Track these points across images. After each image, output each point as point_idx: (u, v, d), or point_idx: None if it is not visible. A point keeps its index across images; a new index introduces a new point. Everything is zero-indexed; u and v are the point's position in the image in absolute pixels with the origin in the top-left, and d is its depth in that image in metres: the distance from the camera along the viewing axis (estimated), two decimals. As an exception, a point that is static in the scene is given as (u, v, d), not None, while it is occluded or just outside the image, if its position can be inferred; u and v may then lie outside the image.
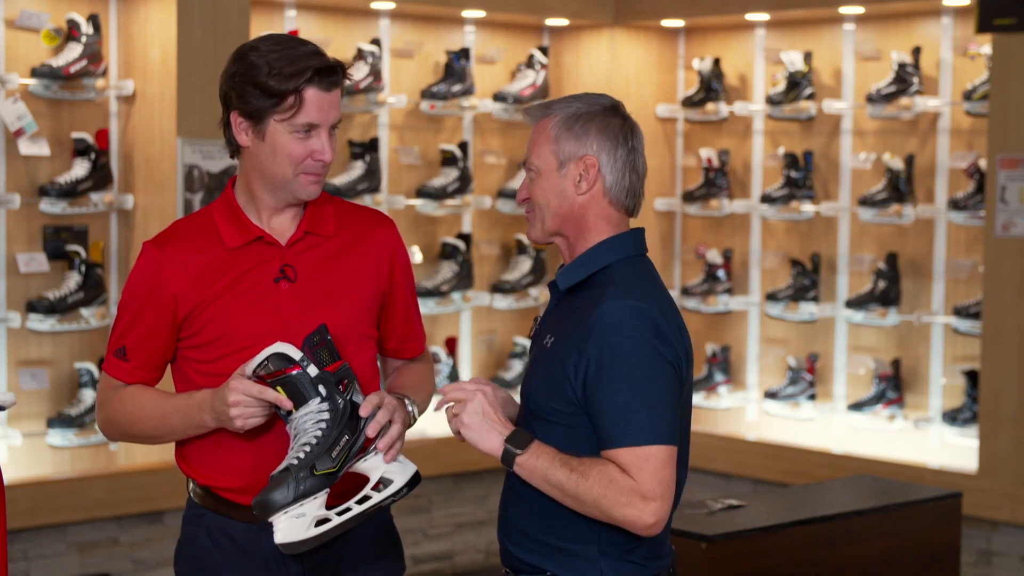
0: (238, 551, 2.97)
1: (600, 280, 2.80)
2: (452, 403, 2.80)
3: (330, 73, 2.87)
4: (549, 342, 2.80)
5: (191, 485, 3.04)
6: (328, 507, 2.76)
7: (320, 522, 2.74)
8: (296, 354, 2.75)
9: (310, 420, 2.75)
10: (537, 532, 2.81)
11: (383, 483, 2.80)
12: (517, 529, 2.84)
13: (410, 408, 2.96)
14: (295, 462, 2.72)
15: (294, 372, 2.74)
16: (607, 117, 2.85)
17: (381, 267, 3.04)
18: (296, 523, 2.71)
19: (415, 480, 2.82)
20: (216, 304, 2.92)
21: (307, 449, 2.73)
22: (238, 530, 2.97)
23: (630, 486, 2.64)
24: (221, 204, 3.00)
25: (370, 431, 2.78)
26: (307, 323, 2.87)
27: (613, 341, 2.69)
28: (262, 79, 2.84)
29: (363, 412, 2.79)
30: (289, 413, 2.77)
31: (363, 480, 2.82)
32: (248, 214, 2.97)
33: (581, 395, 2.72)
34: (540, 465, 2.70)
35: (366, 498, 2.79)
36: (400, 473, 2.82)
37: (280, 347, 2.75)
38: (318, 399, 2.75)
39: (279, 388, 2.75)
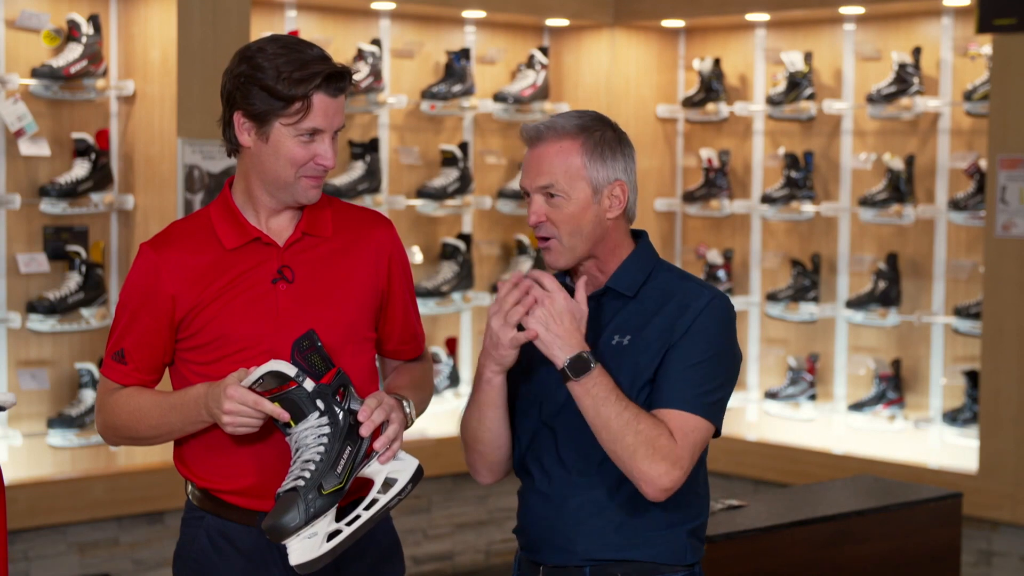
0: (238, 553, 2.96)
1: (658, 280, 2.89)
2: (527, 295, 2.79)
3: (338, 79, 2.88)
4: (625, 341, 2.83)
5: (190, 488, 3.03)
6: (337, 514, 2.75)
7: (332, 535, 2.73)
8: (291, 370, 2.73)
9: (311, 435, 2.74)
10: (622, 526, 2.83)
11: (388, 484, 2.79)
12: (593, 527, 2.85)
13: (408, 410, 2.95)
14: (301, 483, 2.70)
15: (290, 389, 2.72)
16: (617, 135, 2.90)
17: (379, 268, 3.03)
18: (309, 543, 2.70)
19: (418, 474, 2.81)
20: (214, 305, 2.91)
21: (311, 467, 2.71)
22: (237, 532, 2.96)
23: (669, 447, 2.73)
24: (219, 205, 2.99)
25: (363, 431, 2.76)
26: (305, 324, 2.86)
27: (705, 323, 2.81)
28: (269, 83, 2.83)
29: (362, 417, 2.78)
30: (287, 425, 2.75)
31: (367, 481, 2.81)
32: (246, 215, 2.96)
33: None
34: (592, 393, 2.74)
35: (374, 502, 2.78)
36: (403, 471, 2.80)
37: (275, 365, 2.73)
38: (316, 413, 2.74)
39: (277, 403, 2.74)
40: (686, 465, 2.74)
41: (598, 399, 2.73)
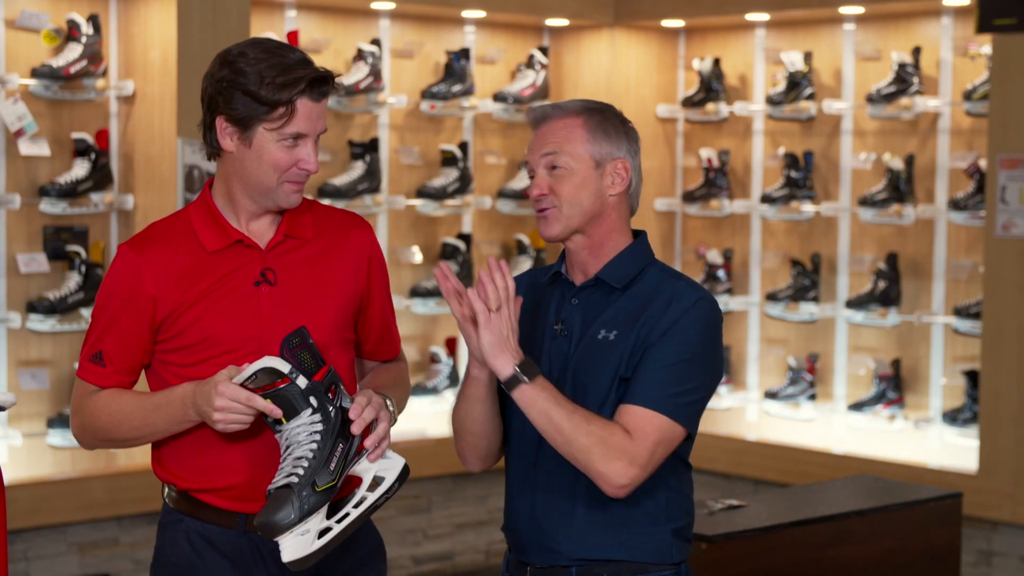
0: (219, 556, 2.95)
1: (649, 277, 2.89)
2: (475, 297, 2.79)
3: (321, 84, 2.87)
4: (611, 336, 2.84)
5: (167, 490, 3.01)
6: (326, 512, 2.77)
7: (322, 532, 2.74)
8: (284, 367, 2.73)
9: (303, 432, 2.74)
10: (607, 526, 2.84)
11: (376, 482, 2.80)
12: (579, 526, 2.86)
13: (390, 408, 2.95)
14: (295, 479, 2.70)
15: (283, 386, 2.72)
16: (624, 123, 2.95)
17: (359, 269, 3.04)
18: (301, 540, 2.71)
19: (405, 473, 2.83)
20: (196, 308, 2.90)
21: (304, 464, 2.71)
22: (218, 535, 2.95)
23: (624, 445, 2.73)
24: (198, 207, 2.97)
25: (355, 429, 2.77)
26: (288, 326, 2.85)
27: (687, 324, 2.80)
28: (252, 87, 2.82)
29: (353, 414, 2.78)
30: (278, 422, 2.75)
31: (353, 479, 2.82)
32: (227, 217, 2.95)
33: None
34: (542, 397, 2.75)
35: (362, 500, 2.80)
36: (391, 469, 2.82)
37: (268, 361, 2.73)
38: (309, 410, 2.74)
39: (268, 399, 2.74)
40: (644, 463, 2.74)
41: (548, 402, 2.74)
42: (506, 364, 2.75)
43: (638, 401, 2.77)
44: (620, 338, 2.83)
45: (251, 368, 2.74)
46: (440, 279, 2.79)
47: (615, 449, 2.73)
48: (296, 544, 2.71)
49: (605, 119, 2.90)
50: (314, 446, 2.73)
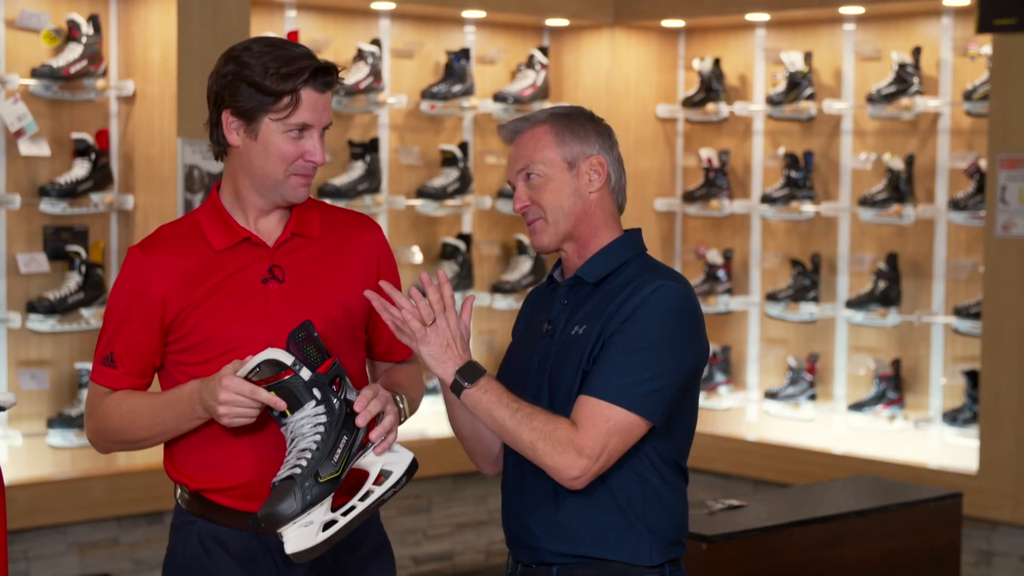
0: (230, 558, 2.95)
1: (627, 271, 2.88)
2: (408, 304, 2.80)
3: (326, 74, 2.90)
4: (580, 331, 2.84)
5: (179, 492, 3.02)
6: (331, 506, 2.76)
7: (327, 525, 2.74)
8: (288, 359, 2.73)
9: (307, 424, 2.74)
10: (585, 523, 2.83)
11: (383, 475, 2.79)
12: (557, 524, 2.85)
13: (401, 405, 2.95)
14: (298, 471, 2.70)
15: (287, 377, 2.73)
16: (593, 121, 2.95)
17: (368, 269, 3.04)
18: (305, 531, 2.71)
19: (413, 467, 2.82)
20: (203, 306, 2.91)
21: (308, 456, 2.72)
22: (229, 536, 2.95)
23: (569, 437, 2.74)
24: (207, 207, 2.99)
25: (359, 421, 2.77)
26: (296, 323, 2.85)
27: (647, 311, 2.78)
28: (257, 79, 2.85)
29: (358, 407, 2.78)
30: (283, 415, 2.76)
31: (361, 474, 2.82)
32: (234, 216, 2.97)
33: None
34: (485, 399, 2.77)
35: (368, 493, 2.79)
36: (398, 463, 2.81)
37: (271, 353, 2.74)
38: (313, 402, 2.74)
39: (273, 392, 2.75)
40: (595, 453, 2.74)
41: (491, 403, 2.76)
42: (446, 372, 2.78)
43: (590, 392, 2.77)
44: (587, 332, 2.83)
45: (254, 360, 2.74)
46: (371, 298, 2.79)
47: (561, 442, 2.73)
48: (299, 536, 2.71)
49: (572, 120, 2.90)
50: (318, 438, 2.73)
